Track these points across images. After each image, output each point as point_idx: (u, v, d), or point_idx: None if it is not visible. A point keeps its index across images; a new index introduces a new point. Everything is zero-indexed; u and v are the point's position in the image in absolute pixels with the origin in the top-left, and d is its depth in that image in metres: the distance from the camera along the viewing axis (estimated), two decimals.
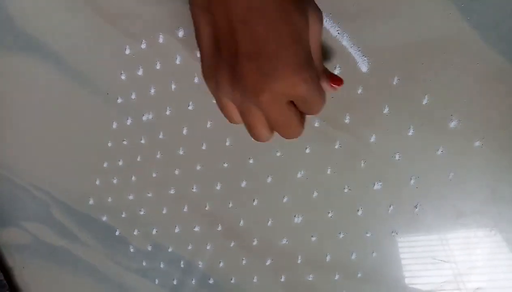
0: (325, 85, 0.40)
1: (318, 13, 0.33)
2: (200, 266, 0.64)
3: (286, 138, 0.35)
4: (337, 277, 0.58)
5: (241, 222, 0.60)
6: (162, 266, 0.66)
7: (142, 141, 0.60)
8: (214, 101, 0.36)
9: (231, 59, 0.30)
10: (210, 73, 0.33)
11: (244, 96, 0.31)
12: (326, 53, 0.49)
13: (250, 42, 0.29)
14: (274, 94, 0.30)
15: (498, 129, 0.47)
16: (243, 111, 0.33)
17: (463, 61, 0.45)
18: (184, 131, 0.57)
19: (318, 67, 0.38)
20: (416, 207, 0.53)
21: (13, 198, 0.69)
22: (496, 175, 0.49)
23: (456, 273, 0.55)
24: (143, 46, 0.54)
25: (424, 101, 0.48)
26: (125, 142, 0.61)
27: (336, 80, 0.41)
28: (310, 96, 0.31)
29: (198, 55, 0.53)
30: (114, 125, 0.60)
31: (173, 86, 0.55)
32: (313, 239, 0.57)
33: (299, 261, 0.59)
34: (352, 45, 0.48)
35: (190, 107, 0.56)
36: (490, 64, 0.45)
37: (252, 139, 0.36)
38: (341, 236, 0.56)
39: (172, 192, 0.61)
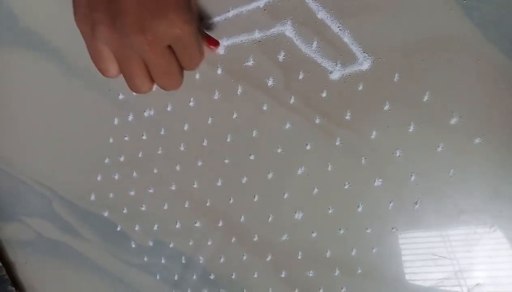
0: (203, 43, 0.41)
1: None
2: (201, 261, 0.65)
3: (166, 89, 0.35)
4: (337, 273, 0.58)
5: (242, 218, 0.60)
6: (163, 261, 0.67)
7: (144, 137, 0.60)
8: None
9: None
10: (84, 16, 0.32)
11: (124, 37, 0.30)
12: (326, 49, 0.49)
13: None
14: (155, 33, 0.29)
15: (499, 126, 0.47)
16: (122, 57, 0.32)
17: (464, 58, 0.45)
18: (185, 128, 0.58)
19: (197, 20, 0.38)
20: (416, 203, 0.53)
21: (15, 193, 0.70)
22: (497, 172, 0.49)
23: (456, 269, 0.55)
24: None
25: (425, 98, 0.48)
26: (126, 138, 0.61)
27: (213, 41, 0.42)
28: (190, 42, 0.31)
29: None
30: (116, 121, 0.60)
31: None
32: (314, 235, 0.58)
33: (299, 257, 0.59)
34: (353, 41, 0.48)
35: (191, 104, 0.56)
36: (491, 61, 0.45)
37: (134, 93, 0.36)
38: (342, 232, 0.56)
39: (173, 188, 0.62)
